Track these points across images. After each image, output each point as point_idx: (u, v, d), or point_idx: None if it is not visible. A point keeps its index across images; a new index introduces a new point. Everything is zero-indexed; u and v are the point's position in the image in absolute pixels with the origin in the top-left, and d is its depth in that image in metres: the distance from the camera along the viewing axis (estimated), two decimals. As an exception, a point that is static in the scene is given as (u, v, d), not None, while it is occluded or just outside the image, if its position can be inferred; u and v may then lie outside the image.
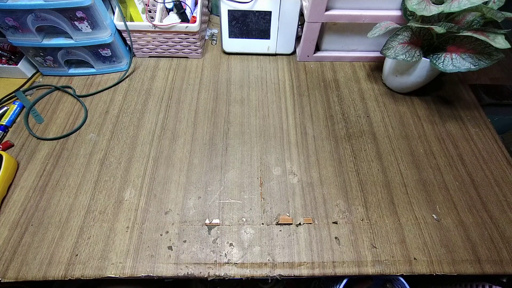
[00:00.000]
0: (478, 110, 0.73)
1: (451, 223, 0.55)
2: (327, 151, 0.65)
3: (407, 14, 0.66)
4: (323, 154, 0.64)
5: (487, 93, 0.84)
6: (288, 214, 0.56)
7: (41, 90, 0.75)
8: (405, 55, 0.63)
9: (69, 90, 0.74)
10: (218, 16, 0.82)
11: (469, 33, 0.56)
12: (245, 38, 0.79)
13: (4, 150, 0.63)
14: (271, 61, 0.83)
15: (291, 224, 0.55)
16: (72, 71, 0.78)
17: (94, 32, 0.68)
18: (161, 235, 0.53)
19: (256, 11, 0.73)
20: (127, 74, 0.78)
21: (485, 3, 0.57)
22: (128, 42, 0.76)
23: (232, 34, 0.79)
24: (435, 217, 0.56)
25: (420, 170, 0.62)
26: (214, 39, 0.88)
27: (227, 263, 0.51)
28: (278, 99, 0.74)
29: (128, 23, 0.72)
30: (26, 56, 0.75)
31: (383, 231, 0.54)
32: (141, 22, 0.74)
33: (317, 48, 0.81)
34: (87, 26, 0.66)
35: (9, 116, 0.68)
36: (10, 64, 0.76)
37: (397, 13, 0.69)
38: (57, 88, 0.75)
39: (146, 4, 0.74)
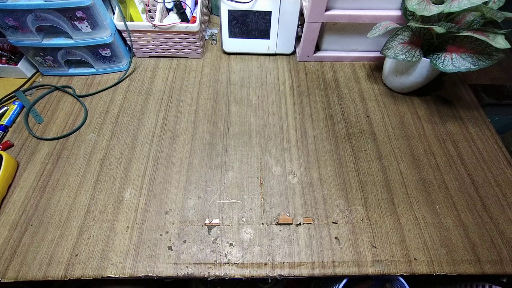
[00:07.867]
0: (478, 110, 0.73)
1: (451, 223, 0.55)
2: (327, 151, 0.65)
3: (407, 14, 0.66)
4: (323, 154, 0.64)
5: (487, 93, 0.84)
6: (288, 214, 0.56)
7: (41, 90, 0.75)
8: (405, 55, 0.63)
9: (69, 90, 0.74)
10: (218, 16, 0.82)
11: (469, 33, 0.56)
12: (245, 38, 0.79)
13: (4, 150, 0.62)
14: (271, 61, 0.83)
15: (291, 224, 0.55)
16: (72, 71, 0.78)
17: (94, 32, 0.68)
18: (161, 235, 0.53)
19: (256, 11, 0.73)
20: (127, 74, 0.78)
21: (485, 3, 0.56)
22: (128, 42, 0.76)
23: (232, 34, 0.79)
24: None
25: (420, 170, 0.62)
26: (214, 39, 0.88)
27: (227, 263, 0.51)
28: (278, 99, 0.74)
29: (128, 23, 0.71)
30: (26, 56, 0.75)
31: (383, 231, 0.54)
32: (141, 22, 0.74)
33: (317, 48, 0.81)
34: (87, 26, 0.66)
35: (9, 116, 0.68)
36: (10, 64, 0.76)
37: (397, 13, 0.69)
38: (57, 88, 0.75)
39: (146, 4, 0.74)
